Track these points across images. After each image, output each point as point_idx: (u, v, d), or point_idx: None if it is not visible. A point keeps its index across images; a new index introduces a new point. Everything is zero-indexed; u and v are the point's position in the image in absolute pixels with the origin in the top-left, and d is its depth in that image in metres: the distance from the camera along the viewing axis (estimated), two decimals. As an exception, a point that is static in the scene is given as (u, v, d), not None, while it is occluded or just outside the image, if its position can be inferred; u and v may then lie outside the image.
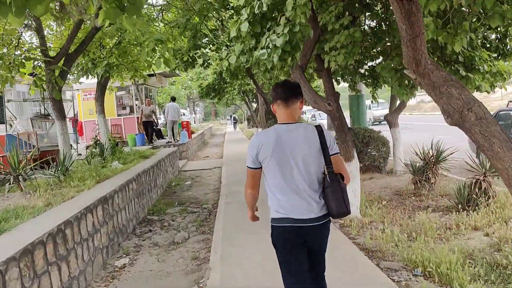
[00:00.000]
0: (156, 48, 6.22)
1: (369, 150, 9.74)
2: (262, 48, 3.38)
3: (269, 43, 3.28)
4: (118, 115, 16.94)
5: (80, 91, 16.89)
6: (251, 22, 3.36)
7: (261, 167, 2.50)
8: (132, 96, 16.83)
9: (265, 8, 3.22)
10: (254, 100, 27.24)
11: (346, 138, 5.73)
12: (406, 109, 38.72)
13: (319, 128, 2.48)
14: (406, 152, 9.49)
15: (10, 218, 4.11)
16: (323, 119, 27.01)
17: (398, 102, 10.17)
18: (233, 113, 61.63)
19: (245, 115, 46.01)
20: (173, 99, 16.72)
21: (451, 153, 7.37)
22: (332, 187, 2.40)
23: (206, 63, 13.47)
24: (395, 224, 5.62)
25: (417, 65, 2.97)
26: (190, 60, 12.67)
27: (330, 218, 2.50)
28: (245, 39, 3.47)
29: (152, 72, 17.22)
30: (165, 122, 17.42)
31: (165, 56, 6.37)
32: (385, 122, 10.40)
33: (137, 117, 15.52)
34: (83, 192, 5.60)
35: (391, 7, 4.96)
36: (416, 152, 7.63)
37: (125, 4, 2.29)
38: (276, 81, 19.98)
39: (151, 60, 7.74)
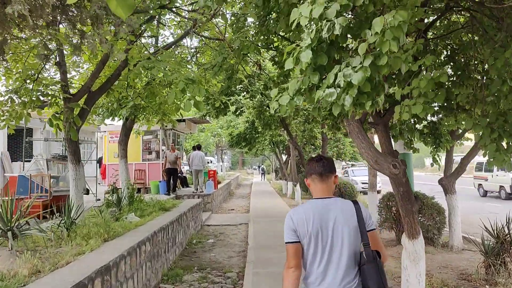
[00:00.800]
0: (186, 89, 5.36)
1: (421, 218, 8.41)
2: (328, 87, 2.39)
3: (340, 80, 2.29)
4: (143, 160, 16.21)
5: (107, 132, 16.35)
6: (315, 50, 2.38)
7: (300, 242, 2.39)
8: (159, 141, 16.14)
9: (337, 31, 2.25)
10: (284, 152, 26.29)
11: (412, 210, 4.54)
12: (431, 169, 36.35)
13: (355, 202, 2.46)
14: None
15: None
16: (356, 176, 25.56)
17: (454, 163, 8.93)
18: (261, 164, 60.76)
19: (273, 166, 44.92)
20: (199, 147, 15.93)
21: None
22: (368, 264, 2.32)
23: (239, 111, 12.69)
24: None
25: None
26: (223, 106, 11.92)
27: None
28: (305, 72, 2.48)
29: (181, 118, 16.65)
30: (190, 170, 16.57)
31: (195, 99, 5.48)
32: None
33: (162, 163, 14.65)
34: (83, 256, 4.56)
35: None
36: (485, 227, 6.31)
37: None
38: (310, 134, 19.08)
39: (180, 102, 6.91)
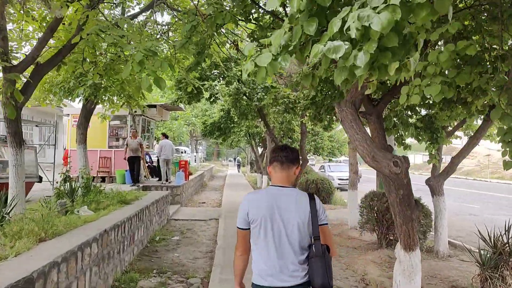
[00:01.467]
0: (146, 61, 4.43)
1: (406, 220, 7.74)
2: (331, 39, 1.55)
3: (350, 27, 1.45)
4: (109, 147, 15.11)
5: (70, 116, 15.14)
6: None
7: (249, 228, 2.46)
8: (128, 127, 15.04)
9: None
10: (260, 144, 25.47)
11: (411, 217, 3.78)
12: (416, 168, 36.57)
13: (311, 196, 2.47)
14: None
15: None
16: (333, 172, 24.99)
17: (442, 164, 8.28)
18: (237, 156, 59.92)
19: (248, 159, 44.09)
20: (166, 136, 14.94)
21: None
22: (316, 258, 2.35)
23: (213, 97, 11.76)
24: None
25: None
26: (195, 91, 10.97)
27: None
28: (297, 20, 1.63)
29: (151, 103, 15.57)
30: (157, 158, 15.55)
31: (156, 74, 4.55)
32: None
33: (124, 151, 13.48)
34: (1, 263, 3.61)
35: None
36: (481, 235, 5.65)
37: None
38: (288, 126, 18.28)
39: (137, 77, 5.96)
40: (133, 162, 12.37)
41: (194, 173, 20.92)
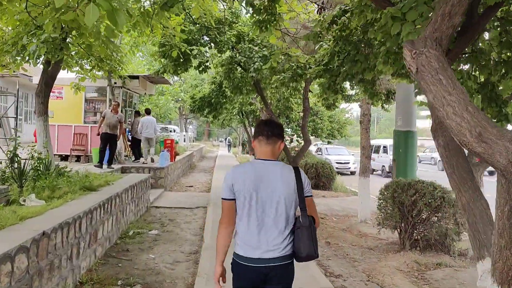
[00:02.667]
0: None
1: (437, 219, 6.30)
2: None
3: None
4: (85, 122, 13.42)
5: (41, 86, 13.38)
6: None
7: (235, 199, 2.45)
8: (107, 100, 13.32)
9: None
10: (254, 124, 23.81)
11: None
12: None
13: (296, 169, 2.53)
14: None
15: None
16: (330, 155, 23.51)
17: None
18: (229, 136, 58.40)
19: (240, 139, 42.45)
20: (148, 111, 13.32)
21: None
22: (303, 228, 2.41)
23: (203, 66, 10.11)
24: None
25: None
26: (182, 59, 9.33)
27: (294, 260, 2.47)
28: None
29: (135, 75, 13.86)
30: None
31: (112, 5, 2.94)
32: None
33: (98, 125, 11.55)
34: None
35: None
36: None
37: None
38: (286, 104, 16.71)
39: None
40: (108, 140, 10.66)
41: (182, 154, 19.36)
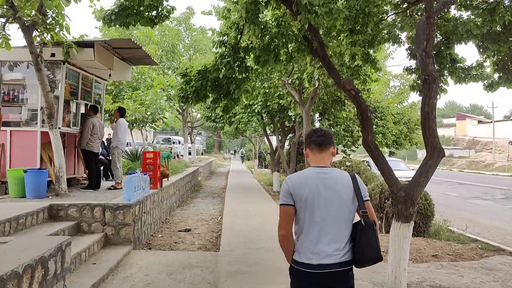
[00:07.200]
0: None
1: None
2: None
3: None
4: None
5: None
6: None
7: (295, 205, 2.45)
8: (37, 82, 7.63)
9: None
10: (280, 130, 17.03)
11: None
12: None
13: (352, 174, 2.53)
14: None
15: None
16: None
17: None
18: (241, 147, 52.80)
19: (256, 151, 36.45)
20: (122, 111, 7.84)
21: None
22: (367, 230, 2.41)
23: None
24: None
25: None
26: None
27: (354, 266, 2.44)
28: None
29: (87, 40, 8.18)
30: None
31: None
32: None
33: None
34: None
35: None
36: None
37: None
38: (335, 94, 10.90)
39: None
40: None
41: (179, 173, 13.66)
